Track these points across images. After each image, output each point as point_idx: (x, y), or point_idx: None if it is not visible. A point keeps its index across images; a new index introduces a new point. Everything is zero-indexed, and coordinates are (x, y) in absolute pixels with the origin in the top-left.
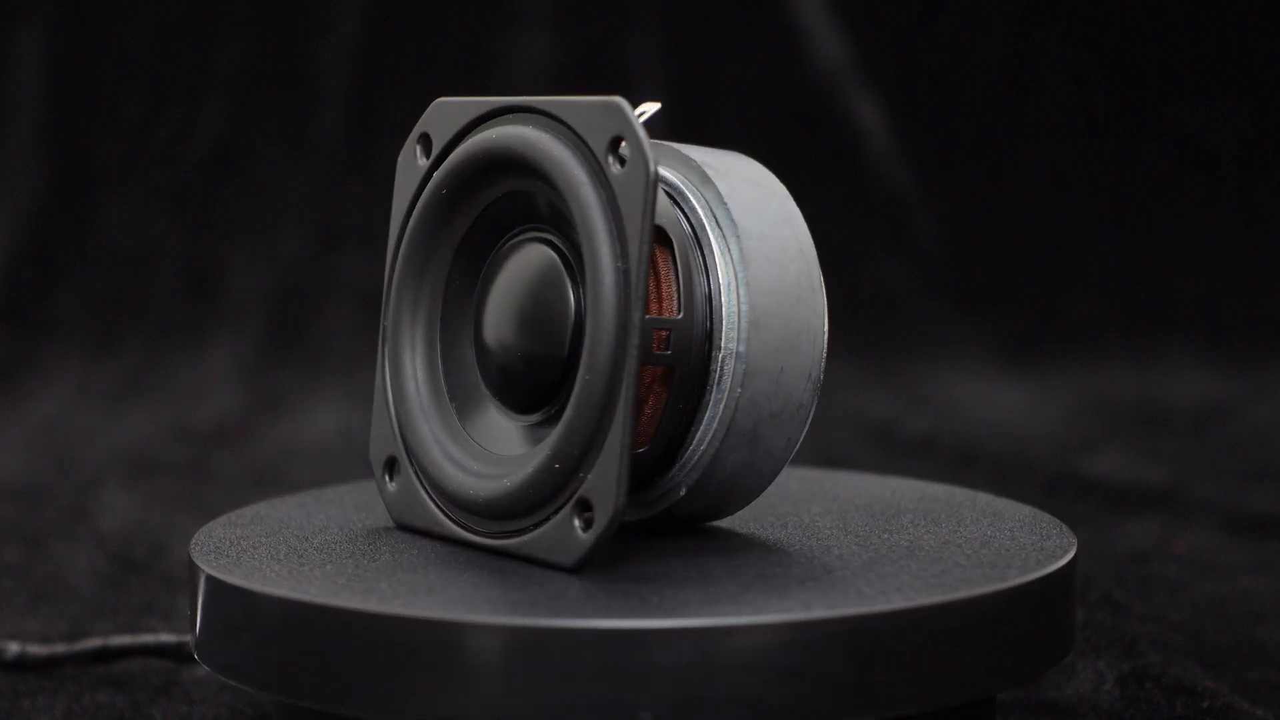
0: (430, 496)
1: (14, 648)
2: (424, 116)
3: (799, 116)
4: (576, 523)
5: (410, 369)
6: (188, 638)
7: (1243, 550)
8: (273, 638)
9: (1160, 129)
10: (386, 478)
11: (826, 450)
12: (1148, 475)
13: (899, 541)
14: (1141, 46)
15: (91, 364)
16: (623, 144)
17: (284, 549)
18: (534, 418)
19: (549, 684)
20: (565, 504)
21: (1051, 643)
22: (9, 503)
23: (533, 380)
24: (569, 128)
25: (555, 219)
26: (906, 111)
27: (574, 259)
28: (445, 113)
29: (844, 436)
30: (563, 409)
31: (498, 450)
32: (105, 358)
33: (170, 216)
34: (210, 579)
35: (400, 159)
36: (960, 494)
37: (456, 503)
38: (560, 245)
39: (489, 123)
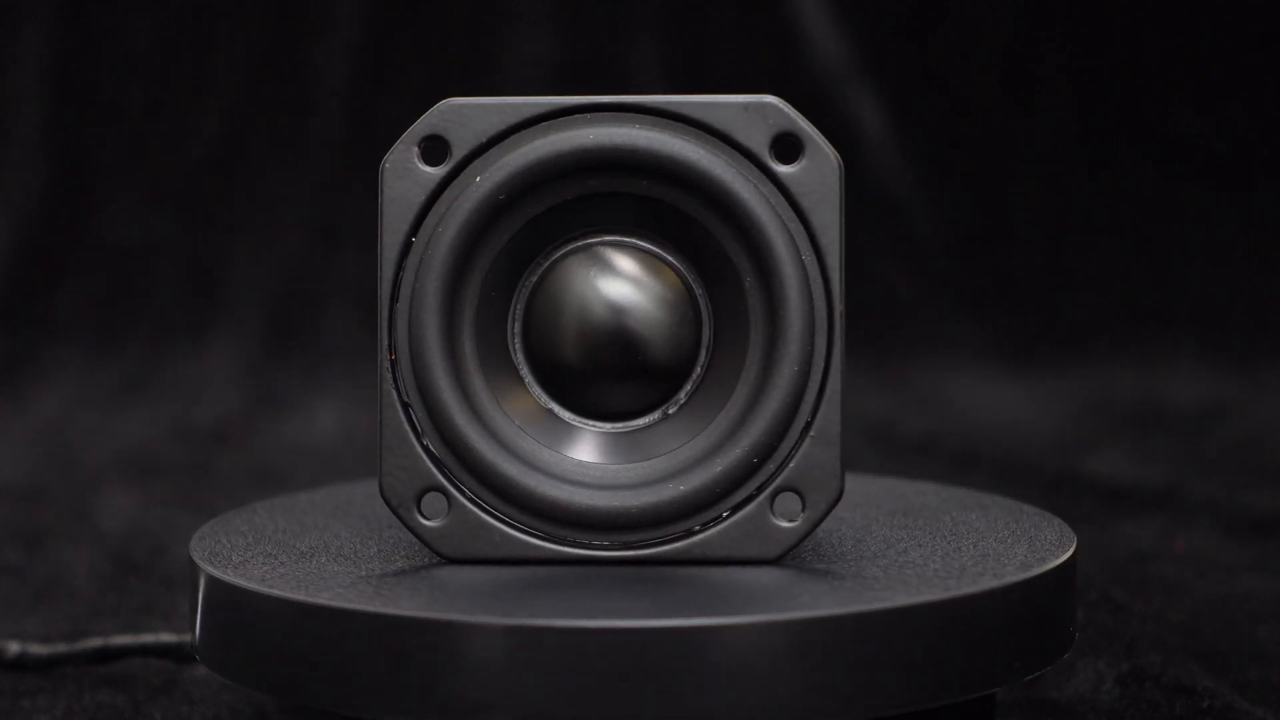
0: (509, 522)
1: (14, 648)
2: (429, 118)
3: None
4: (773, 514)
5: (453, 392)
6: (188, 638)
7: (1243, 550)
8: (273, 638)
9: (1160, 128)
10: (420, 514)
11: None
12: (1148, 475)
13: (898, 540)
14: (1141, 48)
15: (91, 364)
16: (789, 140)
17: (284, 549)
18: (641, 422)
19: (549, 684)
20: (755, 497)
21: (1051, 641)
22: (9, 503)
23: (649, 384)
24: (705, 127)
25: (649, 220)
26: (906, 111)
27: (681, 258)
28: (465, 115)
29: (844, 436)
30: (683, 405)
31: (600, 461)
32: (105, 358)
33: (170, 216)
34: (210, 579)
35: (390, 165)
36: (960, 493)
37: (586, 521)
38: (652, 246)
39: (552, 123)
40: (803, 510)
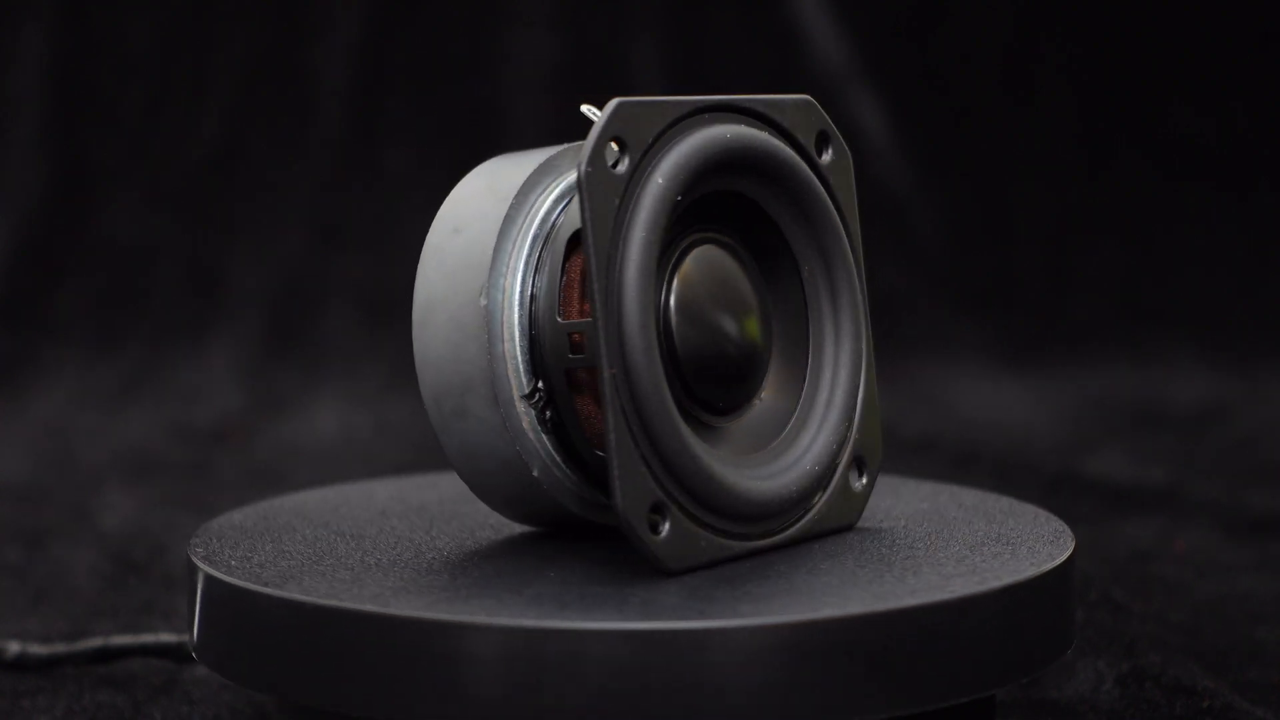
0: (710, 526)
1: (14, 648)
2: (609, 120)
3: None
4: (851, 482)
5: (672, 404)
6: (188, 638)
7: (1243, 550)
8: (272, 638)
9: (1159, 129)
10: (650, 528)
11: None
12: (1148, 475)
13: (899, 541)
14: (1141, 47)
15: (91, 364)
16: (823, 136)
17: (284, 549)
18: (745, 411)
19: (548, 685)
20: (837, 469)
21: (1051, 641)
22: (9, 503)
23: (754, 376)
24: (776, 125)
25: (736, 217)
26: (906, 111)
27: (749, 252)
28: (635, 114)
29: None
30: (766, 391)
31: (736, 453)
32: (105, 358)
33: (170, 216)
34: (209, 579)
35: (590, 169)
36: (960, 493)
37: (766, 511)
38: (729, 241)
39: (686, 122)
40: (861, 475)
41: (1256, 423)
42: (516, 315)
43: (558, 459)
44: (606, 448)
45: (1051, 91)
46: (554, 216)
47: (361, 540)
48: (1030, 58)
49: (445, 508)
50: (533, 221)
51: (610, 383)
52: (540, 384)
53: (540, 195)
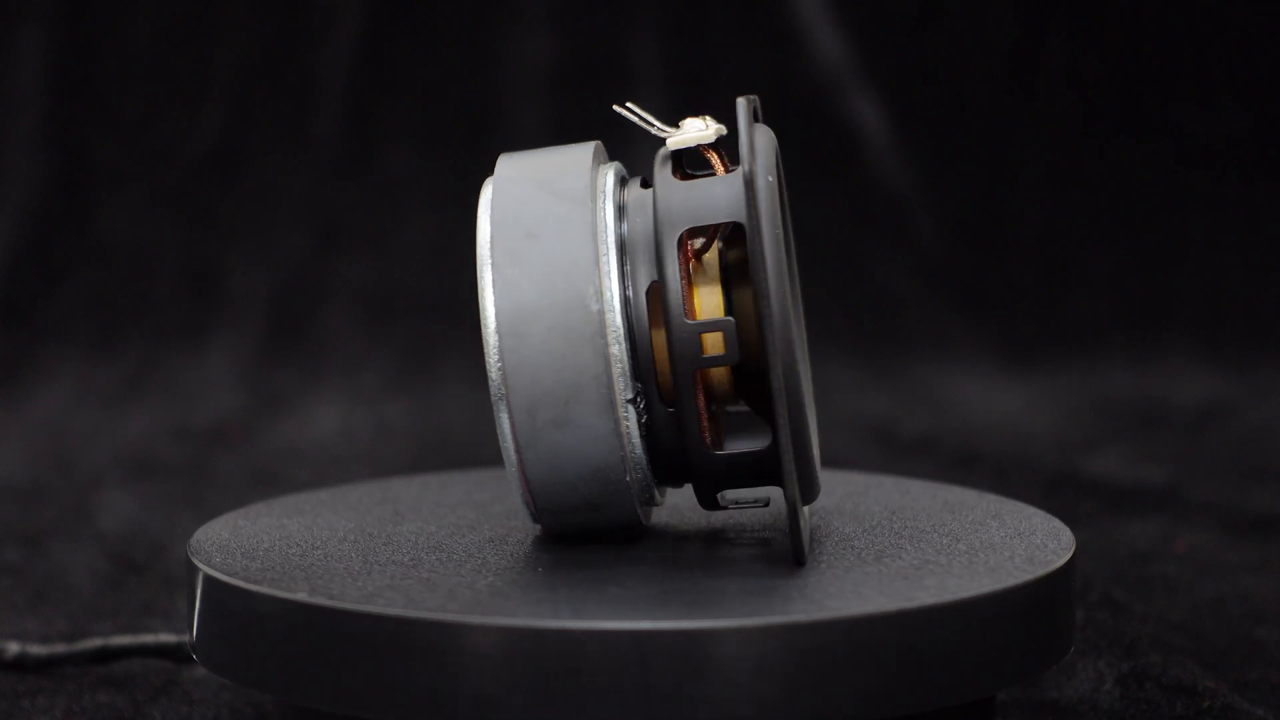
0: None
1: (14, 648)
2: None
3: (799, 116)
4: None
5: (803, 396)
6: (187, 638)
7: (1243, 550)
8: (272, 638)
9: (1160, 129)
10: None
11: (827, 450)
12: (1148, 475)
13: (899, 541)
14: (1141, 46)
15: (91, 364)
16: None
17: (283, 549)
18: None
19: (547, 685)
20: None
21: (1051, 643)
22: (9, 503)
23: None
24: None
25: None
26: (906, 111)
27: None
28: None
29: (844, 436)
30: None
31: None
32: (105, 358)
33: (170, 216)
34: (209, 579)
35: (750, 170)
36: (960, 494)
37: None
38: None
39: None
40: None
41: (1256, 423)
42: (619, 319)
43: (645, 462)
44: (780, 444)
45: (1052, 91)
46: (620, 218)
47: (361, 541)
48: (1031, 58)
49: (445, 508)
50: (606, 223)
51: (780, 379)
52: (641, 387)
53: (599, 196)
